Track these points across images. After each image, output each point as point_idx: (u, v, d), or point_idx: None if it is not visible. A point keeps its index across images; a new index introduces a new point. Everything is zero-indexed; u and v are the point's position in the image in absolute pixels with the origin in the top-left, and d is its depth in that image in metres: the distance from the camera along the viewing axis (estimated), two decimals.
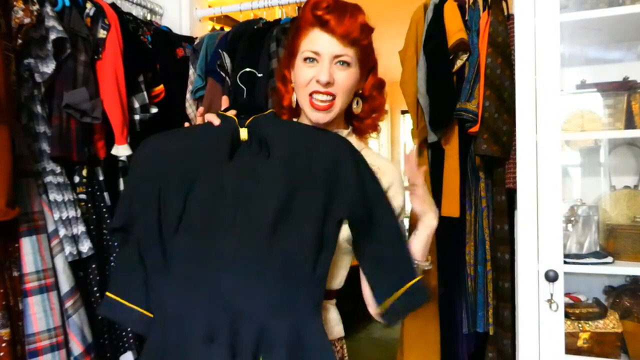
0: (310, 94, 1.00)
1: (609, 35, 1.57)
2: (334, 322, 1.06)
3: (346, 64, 1.00)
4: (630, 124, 1.58)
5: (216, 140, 0.97)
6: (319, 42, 0.99)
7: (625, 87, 1.61)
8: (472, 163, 1.64)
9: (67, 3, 1.44)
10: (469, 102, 1.58)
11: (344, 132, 1.09)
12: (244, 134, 0.97)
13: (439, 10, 1.65)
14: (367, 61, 1.06)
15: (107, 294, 1.00)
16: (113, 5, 1.63)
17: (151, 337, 0.97)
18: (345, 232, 0.97)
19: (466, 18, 1.65)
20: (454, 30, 1.59)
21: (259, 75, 1.68)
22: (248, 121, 0.99)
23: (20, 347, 1.26)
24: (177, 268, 0.93)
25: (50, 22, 1.35)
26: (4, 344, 1.21)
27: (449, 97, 1.62)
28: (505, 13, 1.58)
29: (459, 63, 1.63)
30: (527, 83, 1.31)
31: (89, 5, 1.51)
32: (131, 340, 1.54)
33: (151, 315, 0.97)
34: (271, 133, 0.98)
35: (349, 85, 1.02)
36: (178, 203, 0.94)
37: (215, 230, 0.93)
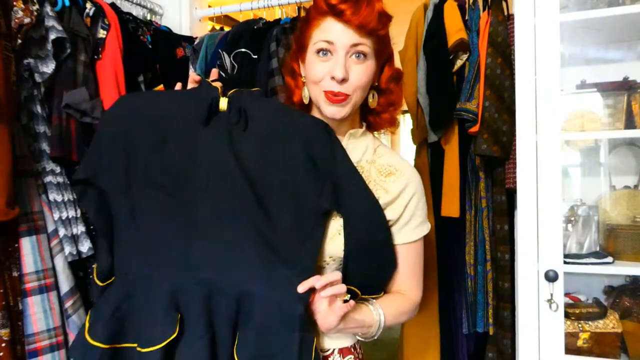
0: (325, 92, 0.94)
1: (609, 35, 1.57)
2: None
3: (362, 55, 0.93)
4: (630, 124, 1.58)
5: (193, 105, 0.95)
6: (333, 31, 0.92)
7: (625, 87, 1.61)
8: (472, 163, 1.64)
9: (67, 3, 1.44)
10: (469, 102, 1.58)
11: (359, 131, 1.03)
12: (223, 103, 0.94)
13: (439, 10, 1.65)
14: (383, 52, 0.99)
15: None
16: (113, 5, 1.63)
17: (111, 295, 0.92)
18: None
19: (466, 18, 1.65)
20: (454, 30, 1.59)
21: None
22: (231, 92, 0.96)
23: (20, 347, 1.26)
24: (144, 226, 0.91)
25: (50, 22, 1.35)
26: (3, 344, 1.21)
27: (449, 97, 1.62)
28: (505, 13, 1.58)
29: (459, 63, 1.63)
30: (527, 83, 1.31)
31: (88, 5, 1.51)
32: None
33: (101, 284, 0.94)
34: (252, 107, 0.95)
35: (365, 81, 0.95)
36: (147, 160, 0.92)
37: (186, 192, 0.90)
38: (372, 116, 1.05)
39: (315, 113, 1.03)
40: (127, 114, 0.96)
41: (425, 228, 1.02)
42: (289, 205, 0.90)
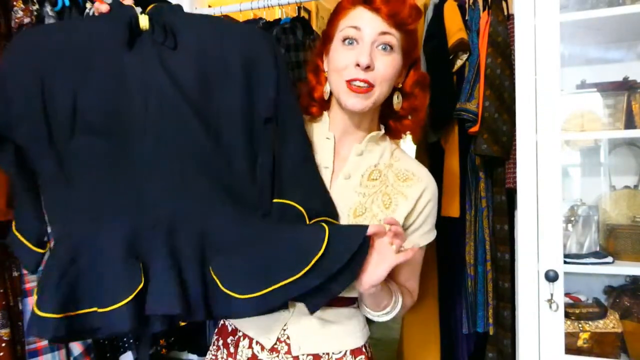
0: (347, 81, 0.90)
1: (609, 35, 1.57)
2: (359, 328, 1.00)
3: (389, 47, 0.90)
4: (630, 124, 1.58)
5: (111, 28, 0.82)
6: (360, 18, 0.90)
7: (625, 87, 1.61)
8: (472, 163, 1.64)
9: (67, 3, 1.44)
10: (469, 102, 1.58)
11: (379, 134, 1.01)
12: (144, 21, 0.83)
13: (439, 10, 1.65)
14: (410, 51, 0.97)
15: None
16: None
17: (54, 262, 0.81)
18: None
19: (466, 18, 1.65)
20: (454, 30, 1.59)
21: None
22: (149, 8, 0.85)
23: (20, 347, 1.26)
24: (80, 177, 0.81)
25: (50, 22, 1.35)
26: (4, 344, 1.21)
27: (449, 97, 1.61)
28: (505, 13, 1.58)
29: (459, 63, 1.63)
30: (527, 83, 1.31)
31: (88, 5, 1.51)
32: (131, 341, 1.54)
33: (41, 251, 0.85)
34: (177, 22, 0.85)
35: (390, 74, 0.92)
36: (68, 100, 0.80)
37: (123, 127, 0.81)
38: (393, 120, 1.03)
39: (334, 109, 1.00)
40: (36, 50, 0.82)
41: (432, 235, 1.04)
42: (237, 127, 0.84)
